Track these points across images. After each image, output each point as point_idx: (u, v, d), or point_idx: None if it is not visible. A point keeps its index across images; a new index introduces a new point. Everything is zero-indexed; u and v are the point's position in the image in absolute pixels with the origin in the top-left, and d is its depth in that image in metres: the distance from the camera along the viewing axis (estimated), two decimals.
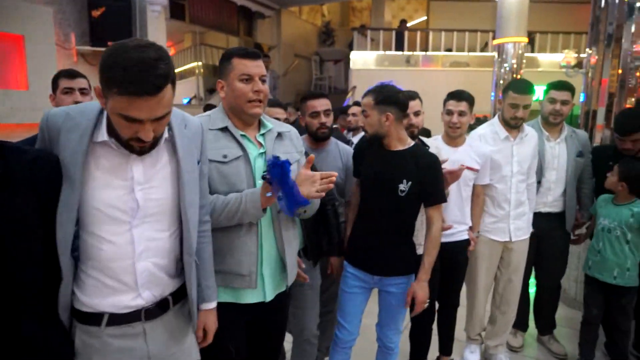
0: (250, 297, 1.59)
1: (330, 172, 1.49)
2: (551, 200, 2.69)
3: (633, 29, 3.15)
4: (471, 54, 9.79)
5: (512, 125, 2.47)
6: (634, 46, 3.12)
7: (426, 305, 1.98)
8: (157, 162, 1.21)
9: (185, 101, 9.57)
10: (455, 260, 2.43)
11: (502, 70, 7.29)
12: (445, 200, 2.01)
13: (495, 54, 7.40)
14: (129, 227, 1.17)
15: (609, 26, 3.29)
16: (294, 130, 1.75)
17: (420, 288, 1.94)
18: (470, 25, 10.11)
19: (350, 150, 2.30)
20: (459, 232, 2.41)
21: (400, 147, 1.98)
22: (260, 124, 1.65)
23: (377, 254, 2.00)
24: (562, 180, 2.67)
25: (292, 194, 1.38)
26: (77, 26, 4.49)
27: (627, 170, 2.38)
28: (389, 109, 1.92)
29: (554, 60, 9.12)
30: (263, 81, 1.55)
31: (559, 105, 2.56)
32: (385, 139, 1.98)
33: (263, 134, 1.63)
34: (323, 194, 1.48)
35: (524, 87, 2.43)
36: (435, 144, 2.36)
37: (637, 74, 3.19)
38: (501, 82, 7.28)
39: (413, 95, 2.23)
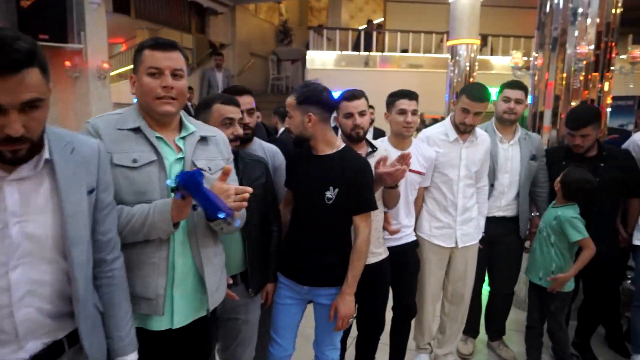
0: (157, 323, 1.40)
1: (245, 187, 1.33)
2: (504, 204, 2.65)
3: (576, 34, 3.20)
4: (426, 55, 9.91)
5: (462, 131, 2.41)
6: (578, 48, 3.17)
7: (351, 320, 1.89)
8: (37, 189, 1.02)
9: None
10: (406, 263, 2.35)
11: (456, 71, 7.40)
12: (374, 208, 1.88)
13: (449, 55, 7.50)
14: (4, 271, 0.99)
15: (553, 31, 3.33)
16: (220, 135, 1.58)
17: (342, 303, 1.83)
18: (425, 27, 10.23)
19: (276, 149, 2.15)
20: (406, 235, 2.34)
21: (329, 151, 1.86)
22: (182, 126, 1.47)
23: (306, 263, 1.88)
24: (515, 184, 2.63)
25: (211, 201, 1.20)
26: (4, 17, 4.14)
27: (566, 174, 2.37)
28: (311, 108, 1.80)
29: (505, 64, 9.36)
30: (177, 76, 1.36)
31: (512, 104, 2.54)
32: (311, 142, 1.87)
33: (184, 137, 1.44)
34: (238, 212, 1.32)
35: (478, 94, 2.31)
36: (384, 147, 2.25)
37: (581, 77, 3.24)
38: (455, 83, 7.39)
39: (357, 94, 2.09)
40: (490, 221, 2.62)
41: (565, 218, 2.32)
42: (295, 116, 1.83)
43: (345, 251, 1.87)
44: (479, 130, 2.48)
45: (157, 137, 1.38)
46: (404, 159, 1.93)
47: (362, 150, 2.10)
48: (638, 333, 2.59)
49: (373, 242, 2.08)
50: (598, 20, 3.15)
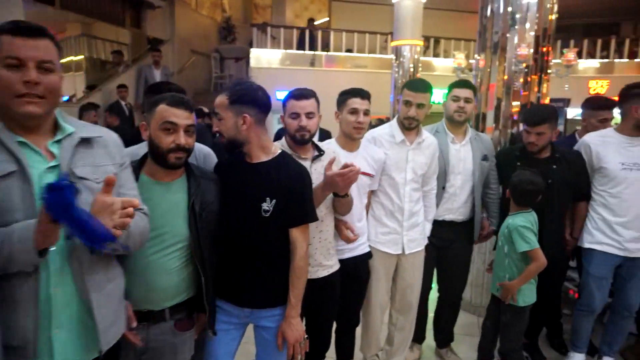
0: None
1: (131, 200, 1.09)
2: (456, 207, 2.56)
3: (516, 40, 3.24)
4: (371, 55, 9.97)
5: (407, 126, 2.31)
6: (518, 50, 3.21)
7: (303, 342, 1.73)
8: None
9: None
10: (357, 277, 2.23)
11: (400, 72, 7.47)
12: (313, 219, 1.73)
13: (393, 56, 7.55)
14: None
15: (494, 35, 3.37)
16: (110, 136, 1.33)
17: (289, 327, 1.68)
18: (370, 27, 10.29)
19: (208, 151, 1.93)
20: (359, 245, 2.21)
21: (265, 158, 1.69)
22: (58, 128, 1.21)
23: (244, 283, 1.69)
24: (468, 185, 2.56)
25: (85, 229, 0.97)
26: None
27: (512, 178, 2.32)
28: (246, 109, 1.62)
29: (448, 66, 9.60)
30: (45, 69, 1.13)
31: (462, 103, 2.48)
32: (245, 147, 1.68)
33: (59, 141, 1.19)
34: (119, 231, 1.05)
35: (419, 85, 2.30)
36: (332, 149, 2.10)
37: (521, 79, 3.29)
38: (399, 83, 7.45)
39: (306, 94, 1.91)
40: (440, 225, 2.55)
41: (514, 226, 2.25)
42: (228, 118, 1.63)
43: (288, 267, 1.71)
44: (425, 133, 2.41)
45: (20, 142, 1.13)
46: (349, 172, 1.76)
47: (309, 154, 1.95)
48: (578, 333, 2.64)
49: (323, 253, 1.94)
50: (536, 25, 3.21)
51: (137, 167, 1.54)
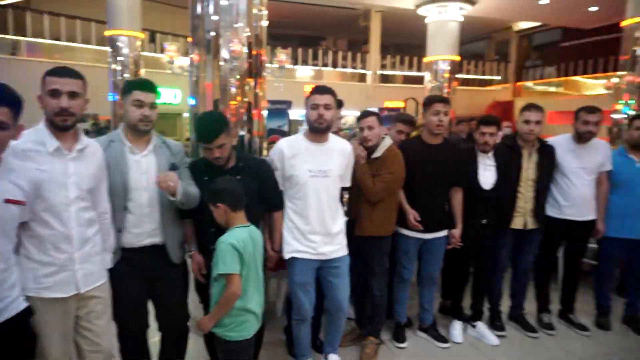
0: None
1: None
2: (151, 229, 2.16)
3: (230, 43, 3.16)
4: (85, 46, 8.72)
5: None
6: (231, 45, 3.13)
7: None
8: None
9: None
10: (8, 351, 1.63)
11: (120, 67, 6.68)
12: None
13: (109, 48, 6.70)
14: None
15: (207, 34, 3.21)
16: None
17: None
18: (83, 13, 8.96)
19: None
20: (8, 305, 1.62)
21: None
22: None
23: None
24: (156, 202, 2.17)
25: None
26: None
27: (219, 187, 2.06)
28: None
29: (182, 64, 9.24)
30: None
31: (147, 111, 2.11)
32: None
33: None
34: None
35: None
36: None
37: (237, 82, 3.24)
38: (119, 80, 6.66)
39: None
40: (141, 252, 2.14)
41: (220, 242, 1.98)
42: None
43: None
44: (86, 138, 1.95)
45: None
46: None
47: None
48: (299, 343, 2.64)
49: None
50: (249, 32, 3.18)
51: None
